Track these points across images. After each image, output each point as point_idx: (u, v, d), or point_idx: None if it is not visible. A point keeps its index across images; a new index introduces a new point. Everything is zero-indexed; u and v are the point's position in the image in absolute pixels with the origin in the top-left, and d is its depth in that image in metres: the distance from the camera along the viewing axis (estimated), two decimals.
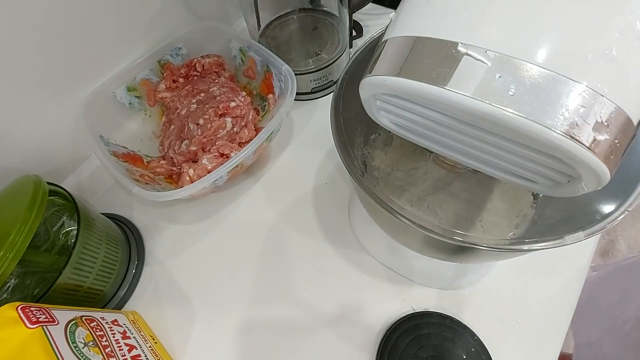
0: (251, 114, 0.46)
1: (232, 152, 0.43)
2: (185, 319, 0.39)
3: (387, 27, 0.21)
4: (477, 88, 0.16)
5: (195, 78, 0.52)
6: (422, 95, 0.17)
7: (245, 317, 0.38)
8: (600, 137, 0.15)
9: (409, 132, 0.23)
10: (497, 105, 0.15)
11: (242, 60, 0.51)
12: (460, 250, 0.27)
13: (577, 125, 0.15)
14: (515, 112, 0.15)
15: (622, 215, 0.22)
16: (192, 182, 0.38)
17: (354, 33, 0.54)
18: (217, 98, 0.47)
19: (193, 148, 0.44)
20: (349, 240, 0.42)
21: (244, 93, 0.49)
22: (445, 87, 0.16)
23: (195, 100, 0.48)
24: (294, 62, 0.50)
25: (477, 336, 0.34)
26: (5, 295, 0.36)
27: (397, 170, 0.36)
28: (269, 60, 0.45)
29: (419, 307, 0.37)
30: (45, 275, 0.37)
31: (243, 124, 0.45)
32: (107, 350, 0.29)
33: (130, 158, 0.45)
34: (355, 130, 0.34)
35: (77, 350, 0.26)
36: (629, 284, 0.58)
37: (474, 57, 0.16)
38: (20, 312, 0.26)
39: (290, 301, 0.39)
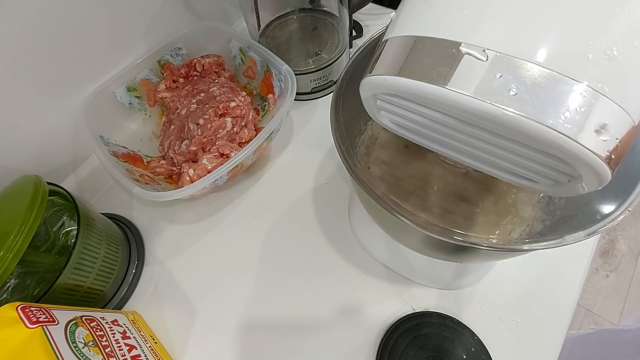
0: (251, 114, 0.46)
1: (232, 152, 0.43)
2: (185, 319, 0.39)
3: (387, 27, 0.21)
4: (478, 87, 0.16)
5: (195, 78, 0.52)
6: (423, 94, 0.17)
7: (245, 317, 0.38)
8: (601, 137, 0.15)
9: (409, 131, 0.23)
10: (498, 105, 0.15)
11: (242, 60, 0.51)
12: (460, 250, 0.27)
13: (578, 124, 0.15)
14: (515, 112, 0.15)
15: (623, 215, 0.22)
16: (192, 182, 0.38)
17: (354, 33, 0.54)
18: (217, 98, 0.47)
19: (193, 148, 0.44)
20: (349, 240, 0.42)
21: (244, 93, 0.49)
22: (446, 87, 0.16)
23: (195, 100, 0.48)
24: (294, 62, 0.50)
25: (477, 336, 0.34)
26: (5, 295, 0.36)
27: (397, 169, 0.36)
28: (269, 60, 0.45)
29: (419, 307, 0.37)
30: (45, 275, 0.37)
31: (243, 124, 0.45)
32: (107, 350, 0.29)
33: (130, 158, 0.45)
34: (355, 130, 0.34)
35: (77, 350, 0.26)
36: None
37: (474, 57, 0.16)
38: (20, 312, 0.26)
39: (290, 301, 0.39)
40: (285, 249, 0.42)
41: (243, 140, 0.45)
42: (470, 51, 0.16)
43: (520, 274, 0.38)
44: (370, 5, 0.54)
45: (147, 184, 0.41)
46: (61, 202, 0.39)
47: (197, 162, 0.42)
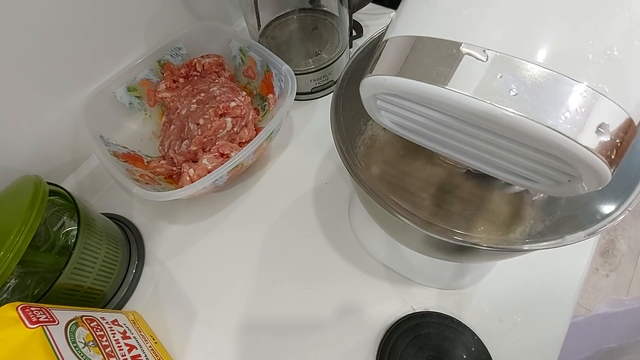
0: (251, 113, 0.46)
1: (232, 152, 0.43)
2: (185, 319, 0.39)
3: (387, 27, 0.21)
4: (478, 87, 0.16)
5: (195, 78, 0.52)
6: (423, 94, 0.17)
7: (245, 317, 0.38)
8: (601, 137, 0.15)
9: (409, 131, 0.23)
10: (498, 105, 0.15)
11: (242, 60, 0.51)
12: (460, 250, 0.27)
13: (578, 125, 0.15)
14: (516, 112, 0.15)
15: (623, 215, 0.22)
16: (192, 182, 0.38)
17: (354, 33, 0.54)
18: (217, 98, 0.47)
19: (193, 148, 0.44)
20: (349, 240, 0.42)
21: (244, 93, 0.49)
22: (446, 87, 0.16)
23: (195, 100, 0.48)
24: (294, 62, 0.50)
25: (477, 336, 0.34)
26: (5, 295, 0.36)
27: (397, 169, 0.36)
28: (269, 60, 0.45)
29: (419, 307, 0.37)
30: (46, 275, 0.37)
31: (243, 123, 0.45)
32: (107, 350, 0.29)
33: (130, 158, 0.45)
34: (355, 130, 0.34)
35: (77, 350, 0.26)
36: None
37: (474, 57, 0.16)
38: (20, 312, 0.26)
39: (290, 301, 0.39)
40: (286, 249, 0.42)
41: (243, 140, 0.45)
42: (471, 51, 0.16)
43: (520, 274, 0.38)
44: (370, 5, 0.54)
45: (147, 184, 0.41)
46: (61, 202, 0.39)
47: (197, 162, 0.42)
